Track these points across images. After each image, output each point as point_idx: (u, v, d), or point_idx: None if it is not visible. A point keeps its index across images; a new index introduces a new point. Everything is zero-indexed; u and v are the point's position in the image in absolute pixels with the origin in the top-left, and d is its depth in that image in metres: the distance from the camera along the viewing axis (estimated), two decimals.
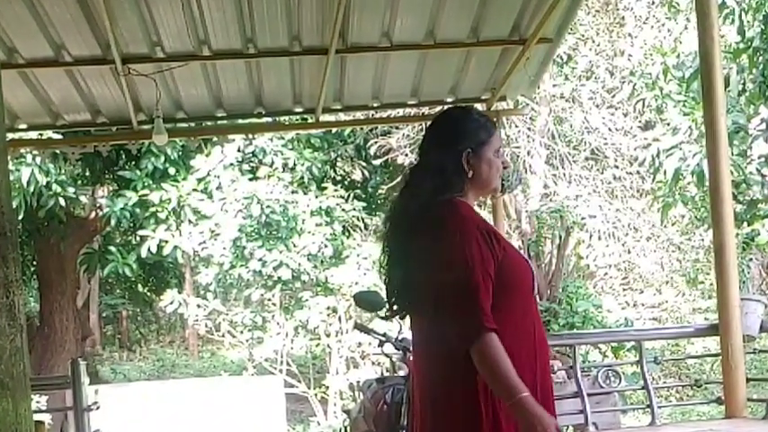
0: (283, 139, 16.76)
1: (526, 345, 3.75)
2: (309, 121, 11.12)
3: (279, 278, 15.68)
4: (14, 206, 14.33)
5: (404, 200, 3.95)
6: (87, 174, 17.26)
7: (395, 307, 4.02)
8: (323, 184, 17.16)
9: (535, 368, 3.77)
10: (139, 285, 22.88)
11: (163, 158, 15.94)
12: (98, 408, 7.86)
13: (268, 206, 15.54)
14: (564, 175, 17.47)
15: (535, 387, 3.71)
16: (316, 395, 16.83)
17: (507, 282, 3.73)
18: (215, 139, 14.99)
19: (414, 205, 3.86)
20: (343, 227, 16.97)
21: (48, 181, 15.10)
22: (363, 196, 18.88)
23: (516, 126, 16.75)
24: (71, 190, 15.66)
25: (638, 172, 17.23)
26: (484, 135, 3.96)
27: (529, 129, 17.13)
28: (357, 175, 19.87)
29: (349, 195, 17.45)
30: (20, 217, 15.00)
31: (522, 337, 3.74)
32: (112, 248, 17.15)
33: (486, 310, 3.61)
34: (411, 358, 6.26)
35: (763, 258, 19.37)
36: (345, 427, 12.06)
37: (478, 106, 9.75)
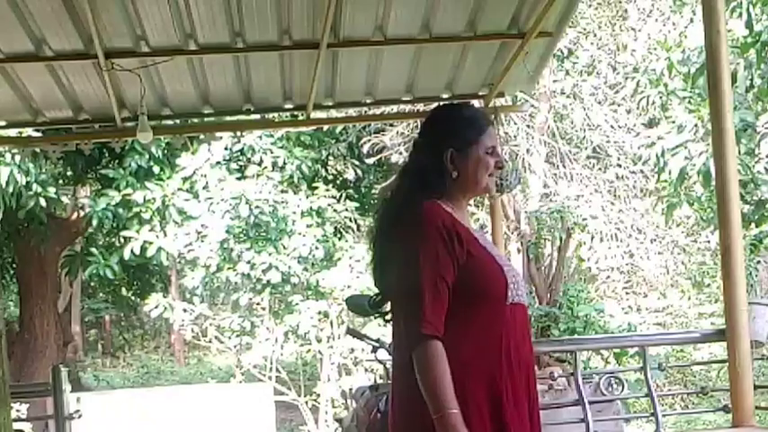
0: (273, 136, 16.76)
1: (490, 356, 3.72)
2: (300, 118, 11.12)
3: (268, 281, 15.68)
4: None
5: (386, 201, 4.03)
6: (69, 173, 17.26)
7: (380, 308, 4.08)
8: (314, 184, 17.15)
9: (498, 381, 3.72)
10: (123, 289, 22.92)
11: (147, 157, 15.93)
12: (80, 416, 7.86)
13: (257, 206, 15.54)
14: (564, 174, 17.50)
15: (498, 400, 3.70)
16: (306, 403, 16.83)
17: (470, 288, 3.73)
18: (201, 136, 14.99)
19: (390, 207, 3.96)
20: (335, 228, 16.98)
21: (28, 181, 15.06)
22: (356, 196, 18.91)
23: (515, 123, 16.78)
24: (52, 190, 15.63)
25: (641, 171, 17.26)
26: (472, 134, 3.97)
27: (528, 126, 17.16)
28: (349, 175, 19.88)
29: (341, 195, 17.45)
30: None
31: (486, 347, 3.72)
32: (95, 250, 17.12)
33: (427, 316, 3.63)
34: None
35: None
36: None
37: (475, 103, 9.76)
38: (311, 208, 16.20)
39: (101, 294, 28.64)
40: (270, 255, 15.57)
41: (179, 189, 15.95)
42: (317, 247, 15.78)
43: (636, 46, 17.03)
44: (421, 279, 3.67)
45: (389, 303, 3.94)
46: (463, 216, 3.94)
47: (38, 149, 13.73)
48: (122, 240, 16.62)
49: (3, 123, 9.94)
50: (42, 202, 15.41)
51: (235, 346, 16.99)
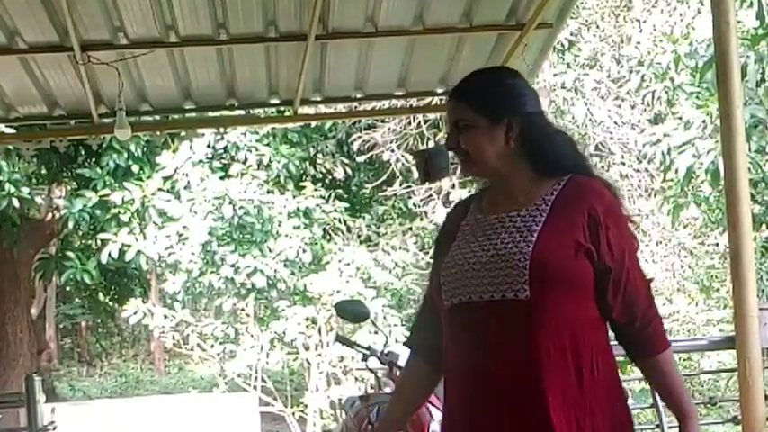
0: (258, 133, 16.74)
1: (462, 360, 3.41)
2: (286, 114, 11.12)
3: (253, 286, 15.67)
4: None
5: None
6: (43, 172, 17.24)
7: None
8: (301, 183, 17.14)
9: (451, 395, 3.47)
10: (100, 294, 22.85)
11: (125, 155, 15.89)
12: (55, 428, 7.87)
13: (241, 207, 15.52)
14: None
15: (467, 407, 3.37)
16: (293, 414, 16.83)
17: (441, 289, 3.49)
18: (183, 133, 14.94)
19: None
20: (324, 230, 16.97)
21: (0, 180, 15.05)
22: (346, 196, 18.87)
23: None
24: (25, 190, 15.61)
25: (646, 170, 17.27)
26: None
27: None
28: (339, 173, 19.84)
29: (330, 195, 17.45)
30: None
31: (459, 351, 3.42)
32: (70, 254, 17.11)
33: (412, 326, 3.79)
34: (398, 374, 6.25)
35: None
36: None
37: None
38: (298, 208, 16.18)
39: (77, 299, 28.63)
40: (255, 258, 15.56)
41: (159, 189, 15.91)
42: (304, 250, 15.76)
43: (641, 38, 17.06)
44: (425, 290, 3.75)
45: None
46: (492, 202, 3.56)
47: (10, 147, 13.71)
48: (99, 243, 16.58)
49: None
50: (15, 202, 15.37)
51: (218, 354, 16.98)
